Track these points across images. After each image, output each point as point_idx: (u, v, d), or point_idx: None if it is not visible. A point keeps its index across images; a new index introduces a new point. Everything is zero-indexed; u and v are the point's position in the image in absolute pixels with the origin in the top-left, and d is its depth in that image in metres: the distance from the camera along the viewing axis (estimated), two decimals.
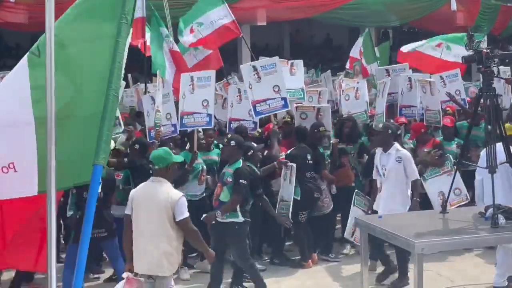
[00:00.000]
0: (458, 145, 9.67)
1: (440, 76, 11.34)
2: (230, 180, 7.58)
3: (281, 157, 8.95)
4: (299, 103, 10.28)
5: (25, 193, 3.74)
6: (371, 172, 8.50)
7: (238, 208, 7.54)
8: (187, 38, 11.30)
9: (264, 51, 19.41)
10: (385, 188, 7.98)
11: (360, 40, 14.41)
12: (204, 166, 8.85)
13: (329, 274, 8.63)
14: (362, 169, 9.47)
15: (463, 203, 8.93)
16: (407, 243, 5.96)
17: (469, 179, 9.05)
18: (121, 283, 5.84)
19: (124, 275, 5.88)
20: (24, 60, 3.87)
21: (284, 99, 9.41)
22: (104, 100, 3.34)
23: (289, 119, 10.27)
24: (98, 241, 7.69)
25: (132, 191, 6.17)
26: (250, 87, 9.38)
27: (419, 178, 8.08)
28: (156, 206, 5.83)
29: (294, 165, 8.61)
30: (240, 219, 7.56)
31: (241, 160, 7.69)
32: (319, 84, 13.80)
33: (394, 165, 7.94)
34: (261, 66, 9.43)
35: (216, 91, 10.00)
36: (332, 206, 9.27)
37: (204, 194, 8.85)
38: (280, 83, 9.40)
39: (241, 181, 7.50)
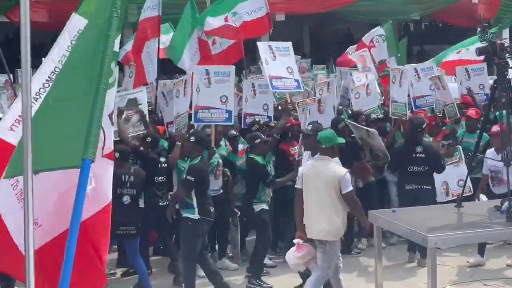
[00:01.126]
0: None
1: (466, 68, 11.16)
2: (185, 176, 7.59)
3: (294, 152, 8.86)
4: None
5: None
6: (397, 166, 8.86)
7: (195, 204, 7.45)
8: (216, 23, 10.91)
9: None
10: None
11: (377, 29, 14.15)
12: (220, 161, 8.58)
13: (343, 269, 8.52)
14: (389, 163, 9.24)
15: (465, 194, 8.75)
16: (421, 237, 5.91)
17: None
18: (293, 248, 6.78)
19: (295, 241, 6.79)
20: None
21: (297, 81, 9.74)
22: (94, 94, 3.31)
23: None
24: (125, 238, 7.72)
25: (301, 168, 7.00)
26: (267, 62, 9.65)
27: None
28: (324, 181, 6.61)
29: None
30: (196, 216, 7.44)
31: (199, 157, 7.60)
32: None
33: None
34: (275, 47, 9.88)
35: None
36: None
37: (221, 191, 8.67)
38: (293, 66, 9.78)
39: (188, 177, 7.45)
